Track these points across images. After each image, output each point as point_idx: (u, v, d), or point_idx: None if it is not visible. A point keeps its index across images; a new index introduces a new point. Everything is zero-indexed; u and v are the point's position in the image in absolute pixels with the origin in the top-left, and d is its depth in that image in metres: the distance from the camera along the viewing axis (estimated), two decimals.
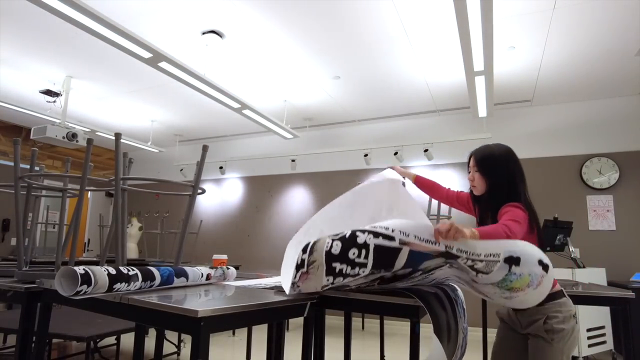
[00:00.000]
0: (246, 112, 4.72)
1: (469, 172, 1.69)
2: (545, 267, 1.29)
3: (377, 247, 1.25)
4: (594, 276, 3.93)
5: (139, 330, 1.98)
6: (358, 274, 1.29)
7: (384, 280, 1.37)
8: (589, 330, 3.81)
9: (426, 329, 1.21)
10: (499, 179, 1.60)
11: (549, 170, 5.04)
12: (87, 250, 7.73)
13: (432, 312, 1.32)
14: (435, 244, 1.26)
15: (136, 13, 3.39)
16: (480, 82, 3.72)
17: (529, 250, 1.29)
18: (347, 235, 1.30)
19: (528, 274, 1.29)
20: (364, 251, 1.26)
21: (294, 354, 3.48)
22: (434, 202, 3.22)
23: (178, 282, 1.53)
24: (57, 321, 2.66)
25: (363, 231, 1.28)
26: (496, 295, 1.38)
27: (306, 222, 1.76)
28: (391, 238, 1.25)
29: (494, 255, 1.28)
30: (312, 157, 6.41)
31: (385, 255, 1.25)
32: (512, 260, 1.27)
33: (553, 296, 1.51)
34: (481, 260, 1.29)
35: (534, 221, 1.55)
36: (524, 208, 1.52)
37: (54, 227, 5.25)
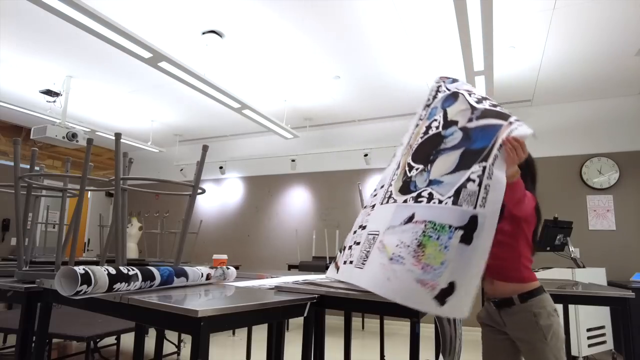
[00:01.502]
0: (246, 112, 4.72)
1: None
2: (422, 280, 1.15)
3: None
4: (594, 276, 3.93)
5: (139, 330, 1.98)
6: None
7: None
8: (589, 330, 3.81)
9: (426, 328, 1.21)
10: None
11: (549, 170, 5.04)
12: (87, 250, 7.73)
13: (442, 328, 1.29)
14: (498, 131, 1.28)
15: (136, 13, 3.39)
16: (480, 82, 3.72)
17: (473, 268, 1.15)
18: None
19: (443, 262, 1.15)
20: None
21: (294, 354, 3.48)
22: None
23: (178, 282, 1.53)
24: (57, 321, 2.66)
25: None
26: (402, 245, 1.26)
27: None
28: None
29: (482, 199, 1.17)
30: (312, 157, 6.41)
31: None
32: (468, 232, 1.14)
33: (534, 293, 1.51)
34: (480, 182, 1.19)
35: (538, 217, 1.57)
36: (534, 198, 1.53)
37: (54, 227, 5.25)
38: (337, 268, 1.58)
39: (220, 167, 6.82)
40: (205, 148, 1.70)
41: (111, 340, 3.57)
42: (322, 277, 2.27)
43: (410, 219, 1.31)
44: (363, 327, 5.46)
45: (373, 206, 1.55)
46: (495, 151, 1.27)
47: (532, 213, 1.52)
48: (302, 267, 5.11)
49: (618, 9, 3.16)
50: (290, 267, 5.50)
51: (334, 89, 4.94)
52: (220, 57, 4.12)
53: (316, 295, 1.49)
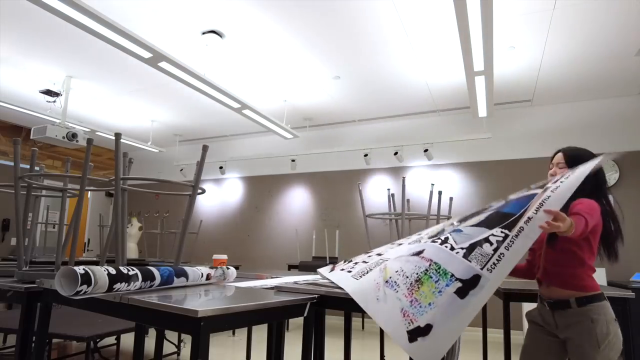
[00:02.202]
0: (246, 112, 4.72)
1: (551, 168, 1.78)
2: (412, 335, 1.14)
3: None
4: (594, 276, 3.93)
5: (139, 330, 1.97)
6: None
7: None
8: None
9: None
10: (588, 176, 1.58)
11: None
12: (87, 250, 7.74)
13: None
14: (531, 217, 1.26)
15: (136, 13, 3.39)
16: (480, 82, 3.72)
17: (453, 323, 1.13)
18: None
19: (430, 304, 1.16)
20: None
21: (294, 354, 3.49)
22: (434, 202, 3.22)
23: (178, 282, 1.53)
24: (57, 321, 2.66)
25: None
26: (401, 273, 1.29)
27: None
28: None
29: (492, 265, 1.18)
30: (312, 157, 6.41)
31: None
32: (466, 287, 1.15)
33: (593, 298, 1.47)
34: (497, 248, 1.19)
35: (613, 225, 1.58)
36: (598, 203, 1.51)
37: (54, 227, 5.26)
38: (332, 270, 1.59)
39: (220, 167, 6.82)
40: (205, 148, 1.70)
41: (111, 340, 3.57)
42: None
43: (418, 253, 1.33)
44: (363, 327, 5.46)
45: (400, 244, 1.56)
46: (521, 223, 1.25)
47: (598, 222, 1.51)
48: (302, 267, 5.11)
49: (618, 9, 3.16)
50: (290, 267, 5.50)
51: (334, 89, 4.94)
52: (220, 57, 4.12)
53: (316, 295, 1.49)
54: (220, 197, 7.36)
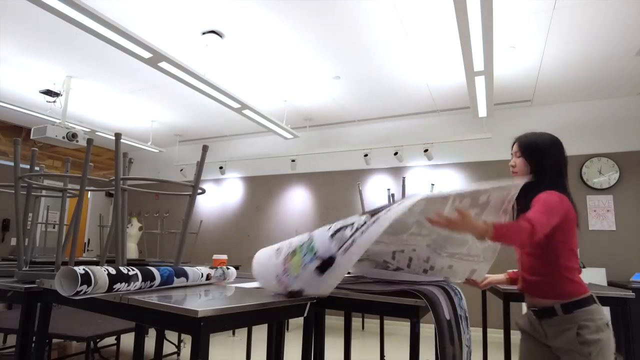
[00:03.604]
0: (246, 112, 4.72)
1: (512, 158, 1.62)
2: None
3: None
4: (594, 276, 3.93)
5: (139, 330, 1.97)
6: (352, 224, 1.30)
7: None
8: None
9: (426, 329, 1.21)
10: (543, 164, 1.51)
11: None
12: (87, 250, 7.73)
13: (443, 350, 1.27)
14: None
15: (136, 13, 3.39)
16: (480, 82, 3.72)
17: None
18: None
19: (297, 276, 1.31)
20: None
21: (294, 354, 3.49)
22: None
23: (178, 282, 1.53)
24: (57, 321, 2.66)
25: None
26: (288, 244, 1.45)
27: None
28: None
29: (345, 248, 1.24)
30: (312, 157, 6.41)
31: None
32: (323, 266, 1.26)
33: (581, 303, 1.37)
34: (353, 233, 1.24)
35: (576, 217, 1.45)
36: (562, 194, 1.41)
37: (54, 227, 5.26)
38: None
39: (220, 167, 6.82)
40: (205, 148, 1.70)
41: (111, 340, 3.57)
42: None
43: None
44: (363, 327, 5.46)
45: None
46: (382, 212, 1.26)
47: (564, 218, 1.38)
48: None
49: (618, 9, 3.16)
50: None
51: (334, 89, 4.94)
52: (220, 57, 4.12)
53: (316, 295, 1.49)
54: (220, 197, 7.36)
